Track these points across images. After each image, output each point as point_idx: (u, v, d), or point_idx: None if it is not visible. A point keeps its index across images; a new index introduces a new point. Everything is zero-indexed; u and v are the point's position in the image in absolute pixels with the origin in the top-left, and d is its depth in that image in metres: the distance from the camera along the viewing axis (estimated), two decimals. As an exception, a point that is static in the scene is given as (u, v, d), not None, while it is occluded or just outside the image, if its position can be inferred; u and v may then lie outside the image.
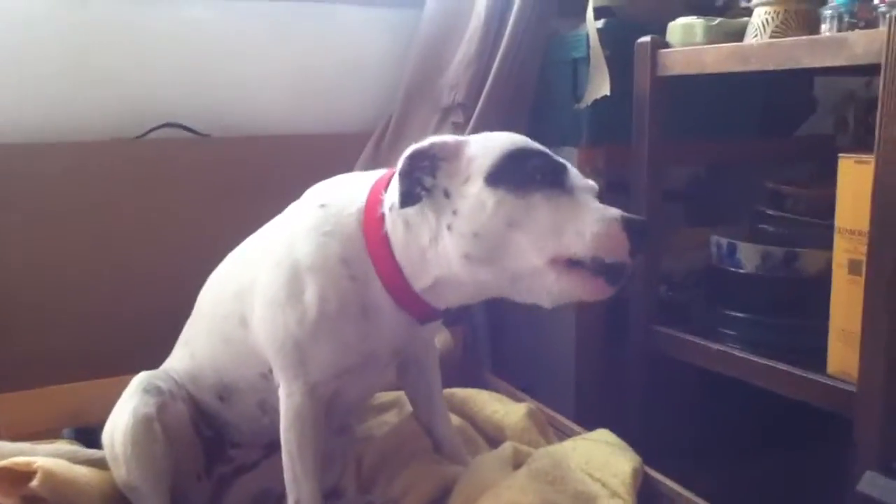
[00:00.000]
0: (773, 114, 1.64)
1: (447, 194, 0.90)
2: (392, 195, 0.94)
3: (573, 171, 0.91)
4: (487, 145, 0.92)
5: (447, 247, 0.90)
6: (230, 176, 1.51)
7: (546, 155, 0.91)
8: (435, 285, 0.95)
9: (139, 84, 1.51)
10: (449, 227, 0.90)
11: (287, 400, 1.00)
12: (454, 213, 0.90)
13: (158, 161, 1.47)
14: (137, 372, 1.18)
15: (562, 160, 0.92)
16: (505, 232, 0.87)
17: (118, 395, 1.11)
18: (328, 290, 0.95)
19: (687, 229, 1.61)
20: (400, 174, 0.91)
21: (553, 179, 0.88)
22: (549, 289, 0.87)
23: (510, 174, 0.88)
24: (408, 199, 0.91)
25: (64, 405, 1.27)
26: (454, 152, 0.92)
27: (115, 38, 1.48)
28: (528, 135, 1.52)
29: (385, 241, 0.95)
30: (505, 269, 0.89)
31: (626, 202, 1.40)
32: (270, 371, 1.02)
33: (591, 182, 0.93)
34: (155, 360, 1.21)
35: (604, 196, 1.39)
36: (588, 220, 0.85)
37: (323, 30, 1.66)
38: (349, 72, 1.70)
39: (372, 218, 0.96)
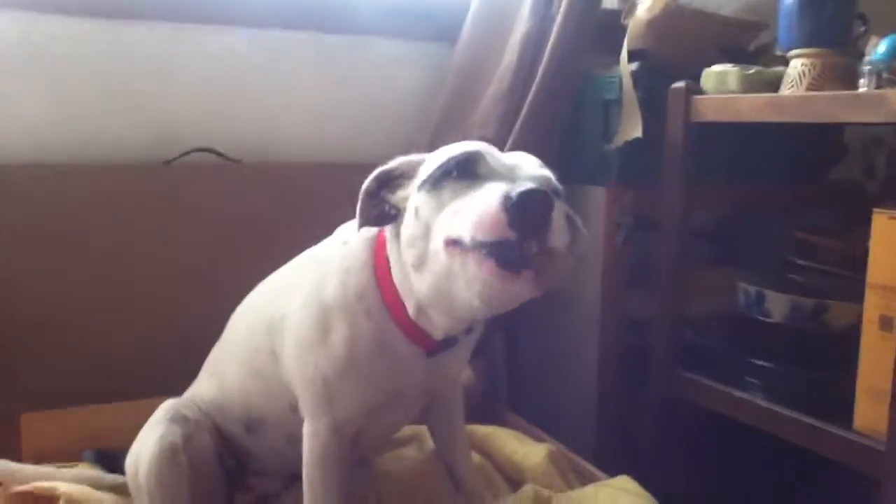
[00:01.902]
0: (803, 159, 1.64)
1: (405, 210, 0.90)
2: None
3: (493, 158, 0.88)
4: (432, 156, 0.92)
5: (406, 265, 0.90)
6: (260, 202, 1.52)
7: (471, 151, 0.87)
8: (419, 310, 0.93)
9: (170, 109, 1.52)
10: (402, 242, 0.90)
11: (312, 438, 1.00)
12: (402, 228, 0.90)
13: (188, 186, 1.48)
14: (160, 396, 1.19)
15: (480, 147, 0.89)
16: (425, 233, 0.85)
17: (140, 418, 1.12)
18: (352, 329, 0.95)
19: (713, 270, 1.60)
20: (362, 194, 0.92)
21: (464, 171, 0.85)
22: (457, 277, 0.82)
23: (434, 177, 0.87)
24: (364, 218, 0.92)
25: (85, 427, 1.28)
26: (415, 169, 0.92)
27: (146, 63, 1.50)
28: (556, 172, 1.55)
29: (389, 270, 0.95)
30: (433, 272, 0.86)
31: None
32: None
33: (518, 164, 0.89)
34: (179, 385, 1.22)
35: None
36: (473, 203, 0.81)
37: (355, 61, 1.68)
38: (379, 103, 1.71)
39: (381, 249, 0.96)
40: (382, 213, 0.93)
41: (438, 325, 0.94)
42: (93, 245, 1.41)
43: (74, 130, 1.45)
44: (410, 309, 0.93)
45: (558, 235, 0.81)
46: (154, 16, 1.49)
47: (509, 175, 0.86)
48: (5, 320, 1.34)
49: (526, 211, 0.78)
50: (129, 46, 1.48)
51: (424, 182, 0.88)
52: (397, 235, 0.92)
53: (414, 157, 0.94)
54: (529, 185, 0.79)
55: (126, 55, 1.48)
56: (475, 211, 0.80)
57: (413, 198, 0.89)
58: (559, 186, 0.90)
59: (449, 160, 0.87)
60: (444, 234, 0.82)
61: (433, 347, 0.98)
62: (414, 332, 0.96)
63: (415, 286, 0.90)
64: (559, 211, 0.83)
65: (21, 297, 1.35)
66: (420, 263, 0.87)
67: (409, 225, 0.88)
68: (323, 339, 0.96)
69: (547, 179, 0.88)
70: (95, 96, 1.46)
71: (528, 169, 0.88)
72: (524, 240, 0.78)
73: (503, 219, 0.78)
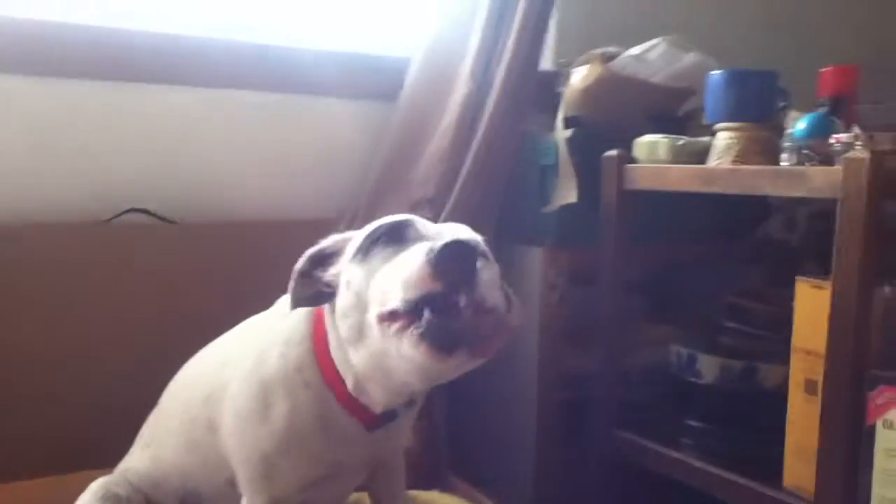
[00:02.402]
0: (731, 219, 1.70)
1: (339, 285, 0.91)
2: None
3: (422, 224, 0.89)
4: (364, 230, 0.93)
5: (342, 339, 0.90)
6: (198, 263, 1.50)
7: (400, 220, 0.89)
8: (357, 384, 0.92)
9: (107, 168, 1.49)
10: (337, 315, 0.90)
11: (250, 514, 0.99)
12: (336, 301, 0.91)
13: (126, 246, 1.45)
14: (91, 469, 1.16)
15: (410, 217, 0.91)
16: (358, 304, 0.86)
17: (69, 494, 1.08)
18: (292, 402, 0.95)
19: (648, 327, 1.64)
20: (294, 274, 0.93)
21: (393, 237, 0.87)
22: (392, 355, 0.82)
23: (363, 249, 0.88)
24: (297, 299, 0.93)
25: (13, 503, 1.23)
26: (345, 245, 0.94)
27: (84, 121, 1.47)
28: (495, 233, 1.57)
29: (328, 345, 0.95)
30: (368, 347, 0.86)
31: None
32: None
33: (447, 230, 0.89)
34: (110, 458, 1.18)
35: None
36: (399, 264, 0.83)
37: (296, 119, 1.68)
38: (322, 161, 1.71)
39: (321, 323, 0.96)
40: (318, 292, 0.93)
41: (377, 400, 0.94)
42: (20, 306, 1.36)
43: (7, 188, 1.41)
44: (349, 383, 0.93)
45: (489, 291, 0.83)
46: (91, 74, 1.47)
47: (437, 238, 0.86)
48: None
49: (449, 261, 0.79)
50: (65, 104, 1.45)
51: (355, 255, 0.89)
52: (333, 310, 0.92)
53: (347, 233, 0.95)
54: (450, 238, 0.81)
55: (62, 113, 1.45)
56: (401, 271, 0.81)
57: (345, 271, 0.90)
58: (487, 250, 0.91)
59: (378, 229, 0.89)
60: (376, 309, 0.83)
61: (373, 422, 0.97)
62: (353, 406, 0.95)
63: (352, 360, 0.90)
64: (488, 269, 0.85)
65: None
66: (355, 337, 0.87)
67: (342, 297, 0.89)
68: (263, 412, 0.95)
69: (474, 241, 0.89)
70: (29, 154, 1.43)
71: (457, 234, 0.89)
72: (452, 292, 0.79)
73: (427, 271, 0.79)
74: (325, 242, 0.95)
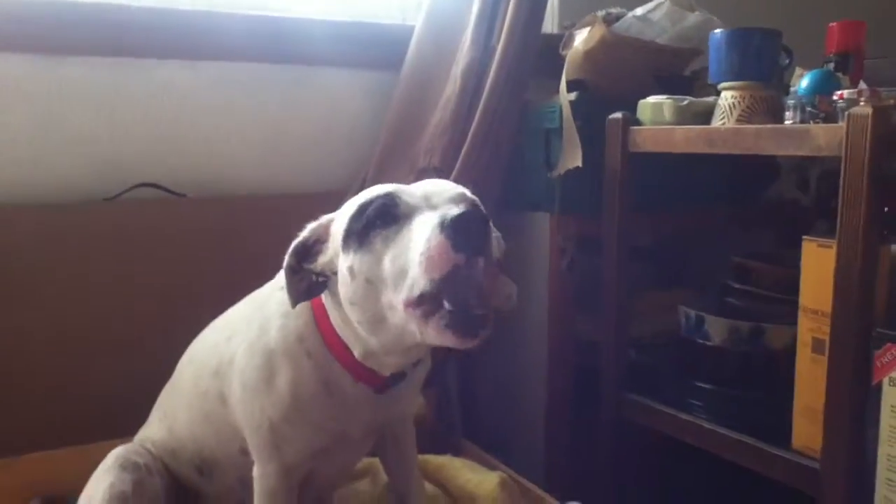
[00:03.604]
0: (739, 181, 1.69)
1: (333, 273, 0.91)
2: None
3: (406, 193, 0.88)
4: (341, 213, 0.93)
5: (349, 319, 0.91)
6: (206, 236, 1.51)
7: (382, 195, 0.88)
8: (367, 354, 0.93)
9: (111, 145, 1.50)
10: (343, 302, 0.90)
11: (261, 481, 1.01)
12: (338, 288, 0.90)
13: (134, 222, 1.47)
14: (110, 439, 1.18)
15: (388, 189, 0.89)
16: (370, 292, 0.85)
17: (90, 463, 1.11)
18: (296, 372, 0.96)
19: (656, 292, 1.64)
20: (285, 272, 0.93)
21: (386, 216, 0.86)
22: (416, 334, 0.83)
23: (356, 233, 0.87)
24: (294, 295, 0.92)
25: (35, 474, 1.25)
26: (326, 231, 0.93)
27: (87, 100, 1.48)
28: (501, 200, 1.57)
29: (327, 314, 0.95)
30: (390, 327, 0.87)
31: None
32: None
33: (431, 190, 0.89)
34: (129, 427, 1.21)
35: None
36: (412, 246, 0.82)
37: (299, 91, 1.68)
38: (326, 132, 1.71)
39: None
40: (311, 284, 0.93)
41: (387, 365, 0.95)
42: (37, 285, 1.38)
43: (15, 168, 1.43)
44: (357, 353, 0.94)
45: (494, 247, 0.85)
46: (93, 51, 1.47)
47: (428, 204, 0.87)
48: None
49: (467, 232, 0.79)
50: (70, 82, 1.46)
51: (349, 240, 0.88)
52: (332, 295, 0.92)
53: (322, 219, 0.95)
54: (457, 209, 0.81)
55: (65, 91, 1.46)
56: (418, 253, 0.81)
57: (342, 259, 0.89)
58: (475, 198, 0.92)
59: (365, 212, 0.87)
60: (402, 294, 0.82)
61: (381, 384, 0.98)
62: (359, 371, 0.96)
63: (365, 339, 0.91)
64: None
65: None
66: (371, 323, 0.88)
67: (346, 285, 0.88)
68: (268, 383, 0.97)
69: (461, 195, 0.90)
70: (36, 133, 1.44)
71: (443, 192, 0.89)
72: (472, 260, 0.79)
73: (447, 246, 0.79)
74: (304, 234, 0.94)
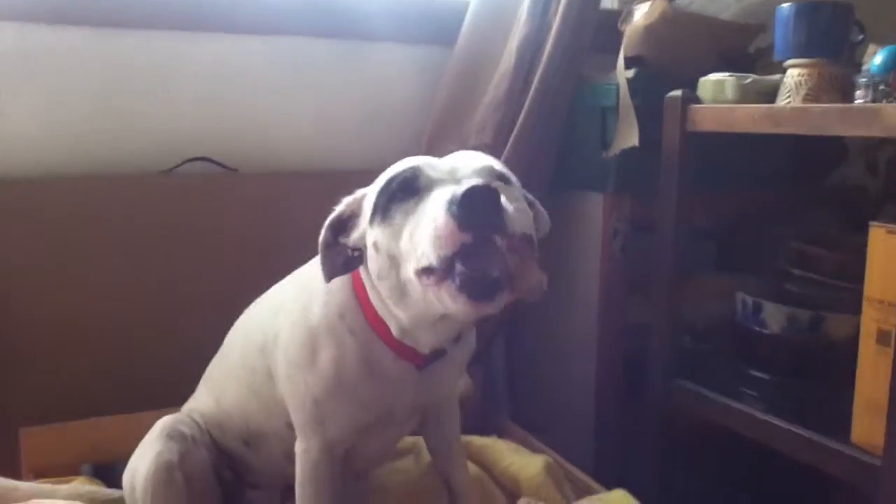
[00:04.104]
0: (803, 162, 1.62)
1: (366, 247, 0.90)
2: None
3: (431, 167, 0.86)
4: (372, 187, 0.91)
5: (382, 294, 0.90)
6: (256, 211, 1.52)
7: (407, 168, 0.87)
8: (402, 330, 0.92)
9: (167, 118, 1.51)
10: (373, 277, 0.89)
11: (304, 455, 1.01)
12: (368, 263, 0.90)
13: (187, 195, 1.48)
14: (159, 409, 1.20)
15: (417, 161, 0.87)
16: (392, 266, 0.84)
17: (139, 431, 1.12)
18: (338, 349, 0.95)
19: (712, 277, 1.59)
20: (321, 247, 0.92)
21: (407, 189, 0.84)
22: (435, 304, 0.81)
23: (381, 207, 0.86)
24: (329, 270, 0.92)
25: (85, 440, 1.28)
26: (360, 205, 0.92)
27: (143, 73, 1.49)
28: (553, 179, 1.54)
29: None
30: (414, 301, 0.85)
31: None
32: None
33: (458, 164, 0.87)
34: (177, 397, 1.23)
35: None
36: (423, 222, 0.80)
37: (351, 66, 1.67)
38: (378, 108, 1.70)
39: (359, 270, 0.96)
40: (348, 258, 0.92)
41: (424, 342, 0.94)
42: (92, 257, 1.41)
43: (71, 141, 1.44)
44: (394, 330, 0.93)
45: (518, 220, 0.80)
46: (150, 24, 1.48)
47: (451, 178, 0.85)
48: (6, 332, 1.34)
49: (473, 208, 0.76)
50: (125, 55, 1.47)
51: (374, 214, 0.87)
52: (367, 270, 0.91)
53: (357, 192, 0.94)
54: (467, 184, 0.78)
55: (123, 64, 1.47)
56: (428, 230, 0.79)
57: (368, 233, 0.88)
58: (505, 171, 0.89)
59: (389, 184, 0.86)
60: (412, 265, 0.81)
61: (422, 361, 0.97)
62: (400, 348, 0.95)
63: (396, 314, 0.90)
64: (511, 195, 0.84)
65: (21, 310, 1.36)
66: (397, 296, 0.86)
67: (373, 260, 0.88)
68: (311, 359, 0.97)
69: (488, 169, 0.87)
70: (92, 106, 1.46)
71: (469, 165, 0.87)
72: (484, 237, 0.77)
73: (453, 225, 0.77)
74: (340, 207, 0.94)
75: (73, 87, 1.44)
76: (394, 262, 0.84)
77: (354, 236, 0.92)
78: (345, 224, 0.93)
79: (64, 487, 1.13)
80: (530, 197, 0.94)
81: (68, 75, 1.43)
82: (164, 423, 1.12)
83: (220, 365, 1.18)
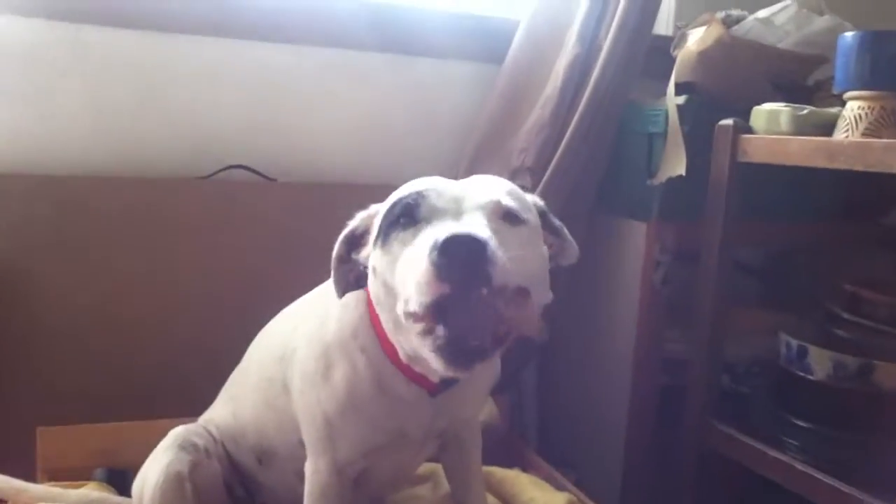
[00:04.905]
0: (858, 199, 1.55)
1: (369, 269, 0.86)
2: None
3: (437, 193, 0.81)
4: (382, 207, 0.87)
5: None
6: (294, 221, 1.50)
7: (412, 193, 0.82)
8: (408, 357, 0.87)
9: (208, 124, 1.51)
10: (373, 300, 0.86)
11: (313, 477, 0.98)
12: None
13: (223, 202, 1.47)
14: (178, 417, 1.18)
15: (426, 185, 0.82)
16: (389, 293, 0.80)
17: (155, 438, 1.10)
18: (351, 368, 0.92)
19: (755, 312, 1.53)
20: (334, 261, 0.89)
21: (409, 217, 0.80)
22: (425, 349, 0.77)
23: (383, 231, 0.82)
24: (341, 285, 0.89)
25: (100, 444, 1.27)
26: (372, 222, 0.88)
27: (186, 77, 1.49)
28: (594, 206, 1.49)
29: None
30: (405, 335, 0.81)
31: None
32: None
33: (466, 193, 0.81)
34: (197, 408, 1.20)
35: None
36: (411, 260, 0.76)
37: (397, 80, 1.65)
38: (423, 123, 1.68)
39: None
40: (360, 274, 0.89)
41: (432, 370, 0.87)
42: (122, 258, 1.40)
43: (112, 141, 1.45)
44: (402, 355, 0.88)
45: (511, 272, 0.74)
46: (195, 29, 1.48)
47: (455, 209, 0.80)
48: (29, 331, 1.34)
49: (453, 259, 0.71)
50: (169, 59, 1.47)
51: (377, 236, 0.84)
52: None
53: (371, 208, 0.90)
54: (455, 229, 0.73)
55: (166, 68, 1.47)
56: (414, 272, 0.75)
57: (372, 255, 0.85)
58: (515, 207, 0.82)
59: (393, 208, 0.83)
60: (401, 306, 0.77)
61: (434, 387, 0.93)
62: (412, 372, 0.91)
63: (397, 340, 0.86)
64: (515, 237, 0.78)
65: (46, 308, 1.35)
66: (393, 326, 0.83)
67: (373, 284, 0.84)
68: (325, 375, 0.94)
69: (494, 205, 0.81)
70: (134, 108, 1.46)
71: (475, 198, 0.81)
72: (464, 290, 0.72)
73: (433, 274, 0.72)
74: (354, 222, 0.90)
75: (119, 90, 1.44)
76: (390, 292, 0.80)
77: (364, 254, 0.89)
78: (358, 239, 0.90)
79: (73, 492, 1.11)
80: (557, 224, 0.90)
81: (117, 76, 1.44)
82: (177, 433, 1.10)
83: (239, 375, 1.16)
